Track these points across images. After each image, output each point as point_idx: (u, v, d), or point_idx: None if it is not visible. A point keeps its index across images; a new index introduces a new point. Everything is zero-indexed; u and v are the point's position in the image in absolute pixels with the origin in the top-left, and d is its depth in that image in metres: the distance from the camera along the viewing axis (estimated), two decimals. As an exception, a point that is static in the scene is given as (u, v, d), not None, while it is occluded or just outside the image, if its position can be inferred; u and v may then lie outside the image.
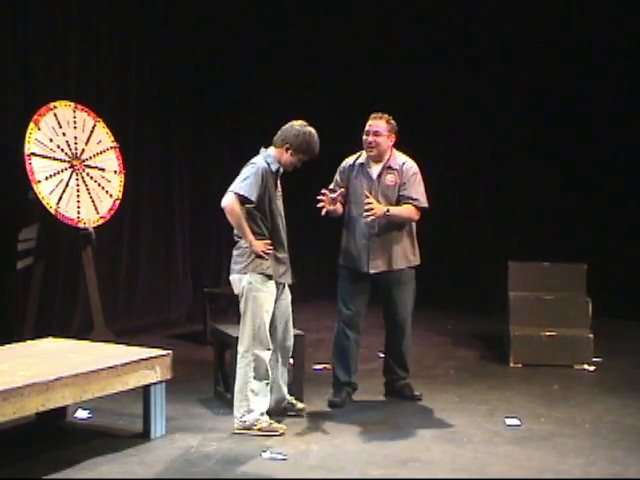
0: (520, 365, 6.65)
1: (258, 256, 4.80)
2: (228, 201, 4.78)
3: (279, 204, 4.99)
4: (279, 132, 4.97)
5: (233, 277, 4.94)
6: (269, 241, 4.88)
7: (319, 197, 5.19)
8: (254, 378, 4.82)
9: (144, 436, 4.71)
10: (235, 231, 4.92)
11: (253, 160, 4.95)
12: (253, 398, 4.82)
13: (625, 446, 4.65)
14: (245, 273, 4.85)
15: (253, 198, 4.79)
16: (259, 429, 4.79)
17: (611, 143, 9.28)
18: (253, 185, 4.79)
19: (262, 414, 4.83)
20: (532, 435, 4.86)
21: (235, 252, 4.95)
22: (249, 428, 4.79)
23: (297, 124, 4.95)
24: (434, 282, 8.76)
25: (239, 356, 4.89)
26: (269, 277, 4.88)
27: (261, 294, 4.84)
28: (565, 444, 4.68)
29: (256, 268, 4.83)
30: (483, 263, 9.61)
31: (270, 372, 4.90)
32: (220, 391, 5.58)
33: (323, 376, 6.01)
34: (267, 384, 4.88)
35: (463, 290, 9.40)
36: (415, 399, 5.61)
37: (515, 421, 5.10)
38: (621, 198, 9.24)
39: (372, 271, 5.42)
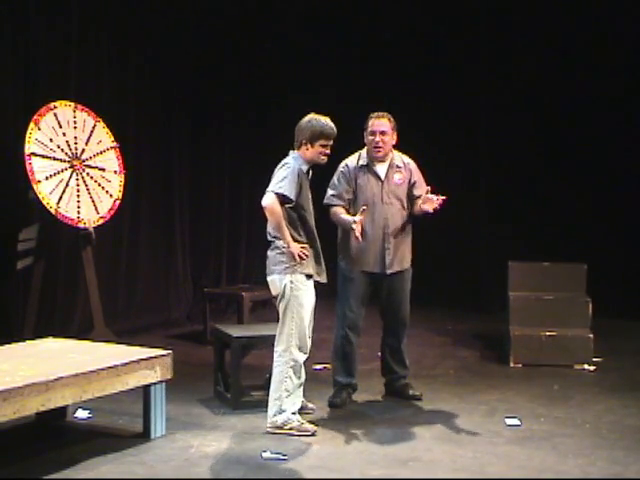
0: (520, 365, 6.65)
1: (294, 258, 4.77)
2: (269, 200, 4.75)
3: (311, 205, 4.99)
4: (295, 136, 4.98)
5: (273, 277, 4.90)
6: (307, 245, 4.86)
7: (355, 227, 5.10)
8: (289, 378, 4.83)
9: (144, 436, 4.72)
10: (270, 231, 4.91)
11: (286, 161, 4.93)
12: (286, 398, 4.82)
13: (625, 446, 4.65)
14: (287, 274, 4.82)
15: (292, 197, 4.78)
16: (290, 429, 4.80)
17: (611, 143, 9.27)
18: (292, 184, 4.78)
19: (293, 414, 4.84)
20: (532, 435, 4.86)
21: (272, 253, 4.91)
22: (280, 428, 4.81)
23: (302, 121, 4.95)
24: (434, 282, 8.78)
25: (276, 355, 4.87)
26: (309, 277, 4.89)
27: (302, 293, 4.84)
28: (565, 444, 4.68)
29: (298, 268, 4.82)
30: (483, 263, 9.61)
31: (303, 372, 4.91)
32: (220, 391, 5.58)
33: (323, 376, 6.01)
34: (300, 385, 4.89)
35: (463, 290, 9.40)
36: (415, 399, 5.61)
37: (515, 421, 5.10)
38: (621, 198, 9.23)
39: (388, 271, 5.42)
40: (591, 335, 6.66)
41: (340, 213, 5.37)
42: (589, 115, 9.27)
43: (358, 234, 5.09)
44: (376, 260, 5.42)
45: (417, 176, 5.54)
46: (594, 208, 9.23)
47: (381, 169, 5.47)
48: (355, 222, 5.10)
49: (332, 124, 4.91)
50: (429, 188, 5.29)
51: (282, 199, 4.77)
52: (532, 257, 7.38)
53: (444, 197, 5.19)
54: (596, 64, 9.21)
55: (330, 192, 5.48)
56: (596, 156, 9.27)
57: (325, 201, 5.48)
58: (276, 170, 4.93)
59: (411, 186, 5.50)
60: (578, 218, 9.21)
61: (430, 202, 5.22)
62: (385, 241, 5.41)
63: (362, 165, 5.47)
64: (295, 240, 4.82)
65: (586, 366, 6.58)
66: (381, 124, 5.40)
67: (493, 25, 9.57)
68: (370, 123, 5.44)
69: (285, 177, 4.80)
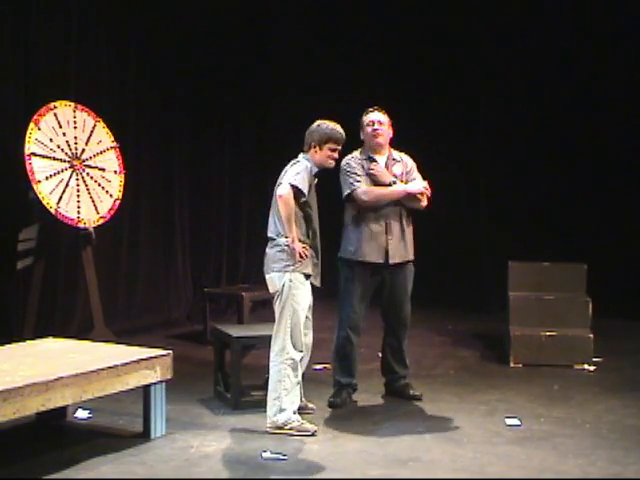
0: (520, 365, 6.65)
1: (295, 256, 4.78)
2: (286, 191, 4.76)
3: (316, 207, 5.02)
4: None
5: (271, 275, 4.90)
6: (307, 246, 4.87)
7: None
8: (287, 377, 4.82)
9: (144, 436, 4.71)
10: (271, 229, 4.92)
11: (297, 159, 4.97)
12: (285, 397, 4.82)
13: (625, 446, 4.65)
14: (286, 272, 4.83)
15: (305, 191, 4.82)
16: (290, 429, 4.80)
17: (611, 143, 9.28)
18: (305, 180, 4.83)
19: (294, 413, 4.85)
20: (532, 435, 4.86)
21: (271, 250, 4.92)
22: (281, 427, 4.81)
23: (312, 125, 5.01)
24: (434, 282, 8.77)
25: (273, 354, 4.87)
26: (307, 276, 4.90)
27: (300, 292, 4.85)
28: (565, 444, 4.68)
29: (298, 267, 4.83)
30: (483, 263, 9.61)
31: (300, 371, 4.92)
32: (220, 391, 5.58)
33: (323, 376, 6.02)
34: (298, 383, 4.90)
35: (463, 290, 9.40)
36: (415, 399, 5.60)
37: (515, 421, 5.10)
38: (621, 198, 9.24)
39: (391, 261, 5.43)
40: (591, 335, 6.66)
41: (378, 187, 5.41)
42: (589, 115, 9.27)
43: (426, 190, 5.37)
44: (379, 251, 5.42)
45: (410, 167, 5.59)
46: (594, 208, 9.24)
47: (380, 161, 5.51)
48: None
49: (341, 129, 4.98)
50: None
51: (296, 192, 4.79)
52: (532, 257, 7.38)
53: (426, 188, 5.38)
54: (595, 64, 9.22)
55: (350, 180, 5.42)
56: (596, 156, 9.27)
57: (349, 188, 5.40)
58: (287, 167, 4.97)
59: (407, 177, 5.54)
60: (578, 218, 9.21)
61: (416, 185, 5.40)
62: (387, 232, 5.43)
63: (365, 157, 5.52)
64: (298, 238, 4.84)
65: (586, 366, 6.58)
66: (377, 115, 5.50)
67: (493, 24, 9.57)
68: (367, 116, 5.52)
69: (299, 172, 4.84)
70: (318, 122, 5.00)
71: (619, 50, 9.15)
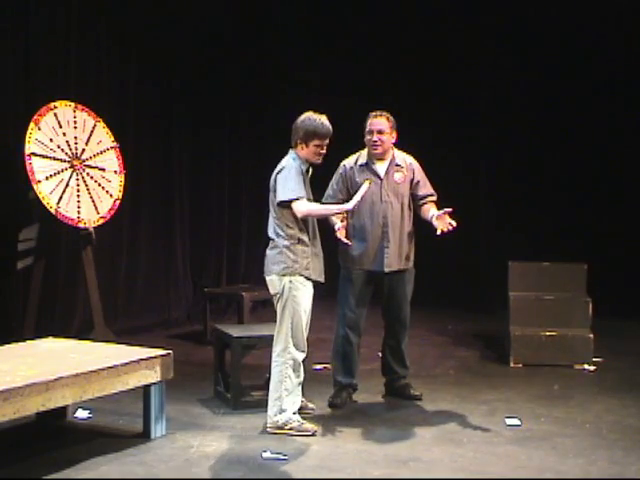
0: (520, 365, 6.65)
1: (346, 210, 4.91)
2: (298, 208, 4.75)
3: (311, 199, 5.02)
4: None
5: (272, 277, 4.88)
6: (308, 245, 4.85)
7: (338, 235, 5.14)
8: (289, 378, 4.83)
9: (144, 436, 4.72)
10: (270, 229, 4.91)
11: (283, 164, 4.89)
12: (286, 398, 4.82)
13: (625, 446, 4.65)
14: (285, 274, 4.82)
15: (304, 195, 4.80)
16: (290, 429, 4.80)
17: (612, 143, 9.28)
18: (299, 183, 4.79)
19: (294, 413, 4.85)
20: (532, 435, 4.86)
21: (271, 252, 4.90)
22: (281, 428, 4.81)
23: (298, 119, 4.90)
24: (434, 282, 8.77)
25: (275, 355, 4.87)
26: (308, 277, 4.88)
27: (301, 293, 4.83)
28: (565, 444, 4.69)
29: (297, 269, 4.82)
30: (483, 263, 9.61)
31: (302, 371, 4.91)
32: (220, 391, 5.58)
33: (323, 376, 6.01)
34: (299, 383, 4.89)
35: (463, 290, 9.40)
36: (415, 399, 5.61)
37: (515, 421, 5.10)
38: (621, 198, 9.24)
39: (387, 269, 5.41)
40: (591, 335, 6.66)
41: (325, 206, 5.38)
42: (590, 115, 9.27)
43: (344, 240, 5.13)
44: (375, 258, 5.41)
45: (420, 176, 5.54)
46: (594, 208, 9.24)
47: (381, 168, 5.46)
48: (338, 230, 5.13)
49: (327, 123, 4.85)
50: (450, 210, 5.17)
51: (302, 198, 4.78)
52: (532, 257, 7.38)
53: (454, 224, 5.13)
54: (598, 62, 9.22)
55: (327, 192, 5.52)
56: (597, 156, 9.28)
57: (322, 200, 5.48)
58: (276, 174, 4.89)
59: (415, 185, 5.50)
60: (578, 218, 9.22)
61: (442, 221, 5.18)
62: (384, 239, 5.40)
63: (361, 164, 5.47)
64: (298, 239, 4.82)
65: (586, 366, 6.58)
66: (378, 123, 5.40)
67: (494, 19, 9.57)
68: (368, 122, 5.44)
69: (289, 180, 4.78)
70: (303, 116, 4.87)
71: (618, 49, 9.14)
